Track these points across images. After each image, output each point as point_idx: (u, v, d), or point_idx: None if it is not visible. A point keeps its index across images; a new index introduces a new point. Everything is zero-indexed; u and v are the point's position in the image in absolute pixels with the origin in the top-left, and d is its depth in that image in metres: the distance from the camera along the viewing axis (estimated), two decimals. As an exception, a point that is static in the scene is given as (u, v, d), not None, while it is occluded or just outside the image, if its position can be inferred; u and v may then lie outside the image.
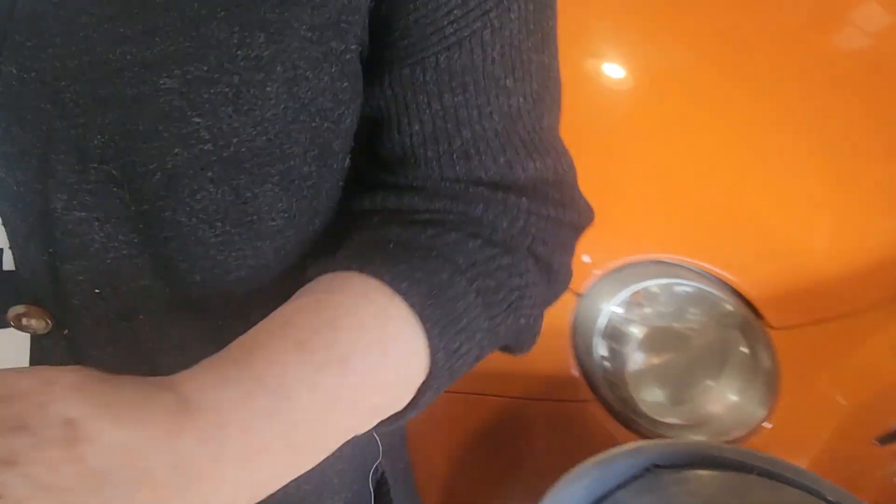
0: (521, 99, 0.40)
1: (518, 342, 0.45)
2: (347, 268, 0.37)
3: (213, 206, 0.35)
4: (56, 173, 0.34)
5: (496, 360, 1.01)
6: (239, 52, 0.33)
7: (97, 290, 0.37)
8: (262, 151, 0.35)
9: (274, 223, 0.38)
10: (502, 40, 0.37)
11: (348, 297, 0.35)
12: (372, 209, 0.41)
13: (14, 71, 0.32)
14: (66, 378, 0.27)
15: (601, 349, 0.96)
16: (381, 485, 0.57)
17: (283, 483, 0.33)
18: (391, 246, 0.38)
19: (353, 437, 0.36)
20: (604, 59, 1.26)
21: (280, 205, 0.38)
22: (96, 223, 0.35)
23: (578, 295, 0.97)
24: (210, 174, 0.34)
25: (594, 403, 0.97)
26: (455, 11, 0.36)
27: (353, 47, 0.37)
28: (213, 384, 0.30)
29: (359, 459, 0.55)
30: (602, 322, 0.96)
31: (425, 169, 0.40)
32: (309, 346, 0.33)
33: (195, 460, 0.28)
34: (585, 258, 0.99)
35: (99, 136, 0.33)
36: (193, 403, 0.29)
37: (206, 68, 0.32)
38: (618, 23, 1.33)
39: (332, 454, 0.35)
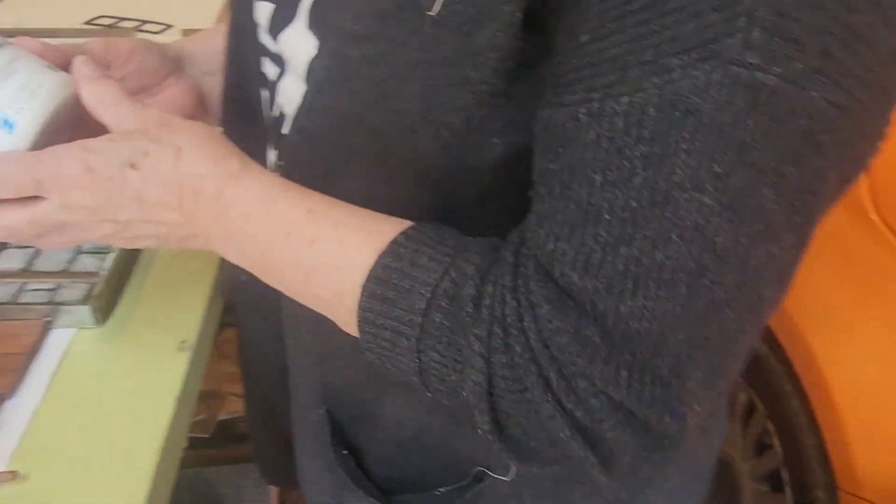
0: (603, 203, 0.36)
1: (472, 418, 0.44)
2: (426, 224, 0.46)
3: (369, 146, 0.47)
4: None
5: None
6: (384, 54, 0.43)
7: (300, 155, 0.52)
8: (397, 131, 0.44)
9: (407, 179, 0.47)
10: (599, 129, 0.35)
11: (373, 224, 0.46)
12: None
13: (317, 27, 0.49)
14: (184, 129, 0.47)
15: None
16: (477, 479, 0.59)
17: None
18: (450, 236, 0.45)
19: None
20: None
21: (409, 172, 0.46)
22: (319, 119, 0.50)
23: None
24: (369, 124, 0.45)
25: None
26: (570, 75, 0.37)
27: (492, 81, 0.40)
28: (254, 183, 0.47)
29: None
30: None
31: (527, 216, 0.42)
32: (311, 217, 0.46)
33: (220, 203, 0.46)
34: None
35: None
36: (243, 179, 0.47)
37: (378, 52, 0.43)
38: None
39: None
